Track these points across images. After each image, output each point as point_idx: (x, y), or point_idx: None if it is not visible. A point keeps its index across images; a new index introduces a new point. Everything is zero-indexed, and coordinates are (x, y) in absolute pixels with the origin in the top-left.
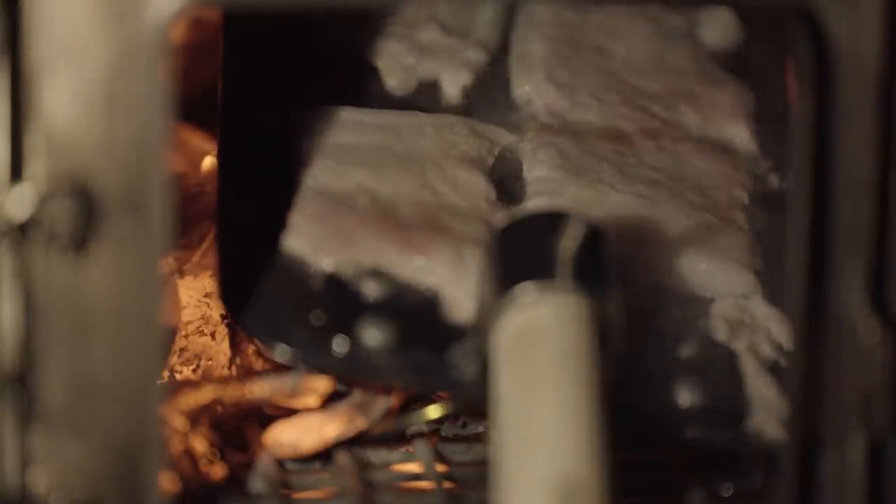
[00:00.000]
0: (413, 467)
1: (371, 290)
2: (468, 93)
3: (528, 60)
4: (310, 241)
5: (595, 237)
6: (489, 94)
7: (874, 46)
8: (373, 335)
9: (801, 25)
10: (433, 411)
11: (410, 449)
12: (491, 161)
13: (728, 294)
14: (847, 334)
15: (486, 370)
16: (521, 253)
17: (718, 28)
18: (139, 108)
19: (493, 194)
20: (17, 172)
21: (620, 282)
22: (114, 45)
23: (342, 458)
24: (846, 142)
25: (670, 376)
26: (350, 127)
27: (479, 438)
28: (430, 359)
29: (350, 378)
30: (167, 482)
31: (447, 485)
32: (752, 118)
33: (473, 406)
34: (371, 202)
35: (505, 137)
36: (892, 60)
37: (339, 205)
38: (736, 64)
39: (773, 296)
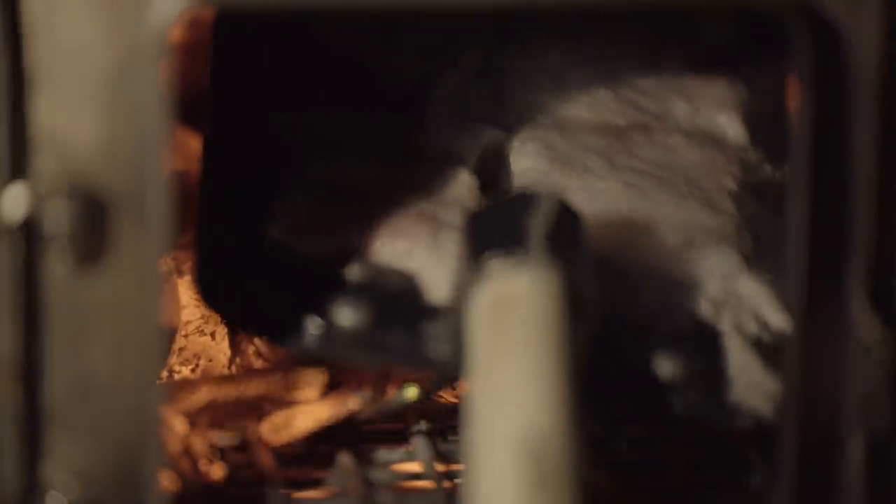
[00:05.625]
0: (413, 467)
1: (349, 273)
2: (460, 94)
3: (519, 62)
4: (289, 227)
5: (567, 214)
6: (481, 95)
7: (876, 44)
8: (348, 316)
9: (802, 23)
10: (411, 392)
11: (410, 448)
12: (476, 155)
13: (714, 274)
14: (847, 334)
15: (461, 347)
16: (493, 230)
17: (711, 27)
18: (139, 109)
19: (474, 184)
20: (16, 172)
21: (592, 258)
22: (114, 46)
23: (342, 457)
24: (847, 140)
25: (655, 351)
26: (333, 126)
27: None
28: (404, 338)
29: (325, 358)
30: (167, 482)
31: (447, 485)
32: (743, 110)
33: (448, 383)
34: (351, 190)
35: (492, 133)
36: (894, 59)
37: (319, 192)
38: (727, 61)
39: (761, 279)
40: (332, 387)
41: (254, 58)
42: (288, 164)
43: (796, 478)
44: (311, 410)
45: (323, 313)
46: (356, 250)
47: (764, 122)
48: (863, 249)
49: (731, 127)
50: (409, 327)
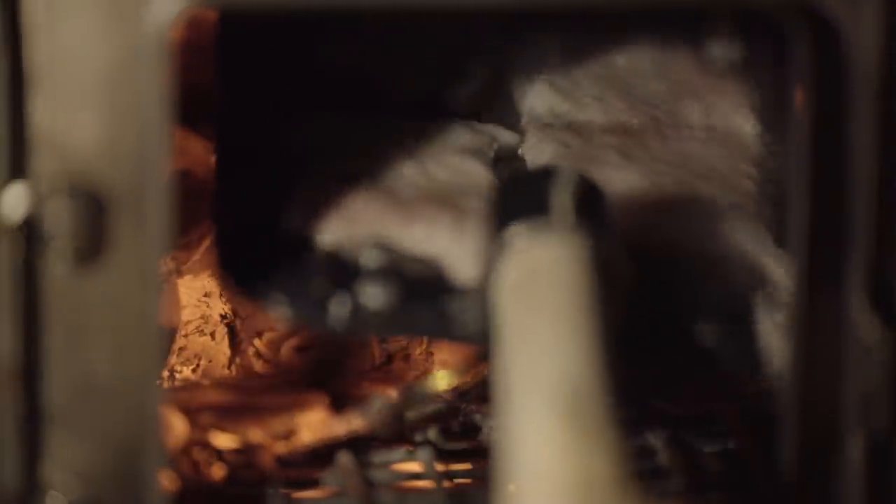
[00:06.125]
0: (413, 467)
1: (371, 259)
2: (472, 103)
3: (529, 73)
4: (310, 218)
5: (588, 185)
6: (492, 105)
7: (876, 44)
8: (373, 296)
9: (802, 23)
10: (440, 380)
11: (411, 448)
12: (491, 154)
13: (741, 248)
14: (847, 334)
15: (489, 321)
16: (518, 201)
17: (720, 40)
18: (139, 109)
19: (491, 178)
20: (16, 172)
21: (617, 230)
22: (114, 46)
23: (342, 457)
24: (847, 140)
25: (691, 320)
26: (350, 127)
27: (479, 438)
28: (430, 315)
29: (352, 334)
30: (167, 481)
31: (447, 485)
32: (755, 109)
33: (478, 364)
34: (371, 183)
35: (505, 136)
36: (894, 59)
37: (339, 185)
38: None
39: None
40: (337, 405)
41: (263, 61)
42: (302, 161)
43: (796, 477)
44: (314, 427)
45: (347, 297)
46: (376, 237)
47: (775, 120)
48: (863, 249)
49: (745, 125)
50: (434, 306)
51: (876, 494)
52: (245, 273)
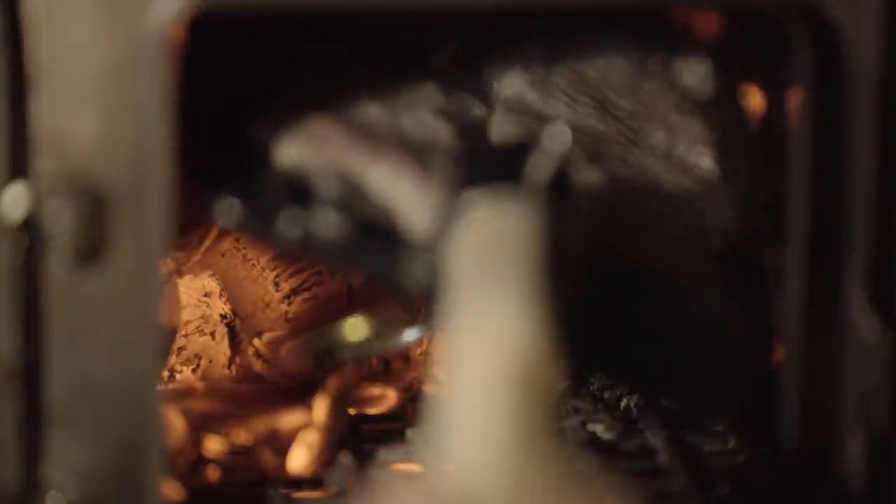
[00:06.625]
0: (413, 467)
1: (329, 188)
2: (448, 70)
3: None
4: (275, 135)
5: (565, 163)
6: (462, 84)
7: (876, 44)
8: (325, 224)
9: (802, 23)
10: (353, 329)
11: (410, 448)
12: (461, 121)
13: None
14: (847, 334)
15: (436, 279)
16: (483, 168)
17: (694, 76)
18: (139, 109)
19: (459, 136)
20: (16, 172)
21: (581, 208)
22: (114, 46)
23: (342, 457)
24: (846, 140)
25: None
26: (327, 65)
27: None
28: (379, 257)
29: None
30: (167, 482)
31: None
32: (715, 148)
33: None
34: (340, 116)
35: (477, 107)
36: (894, 59)
37: (308, 110)
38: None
39: None
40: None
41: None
42: (276, 79)
43: (796, 477)
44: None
45: (299, 218)
46: (337, 167)
47: (732, 161)
48: (863, 249)
49: (704, 161)
50: (384, 250)
51: (876, 494)
52: (206, 177)
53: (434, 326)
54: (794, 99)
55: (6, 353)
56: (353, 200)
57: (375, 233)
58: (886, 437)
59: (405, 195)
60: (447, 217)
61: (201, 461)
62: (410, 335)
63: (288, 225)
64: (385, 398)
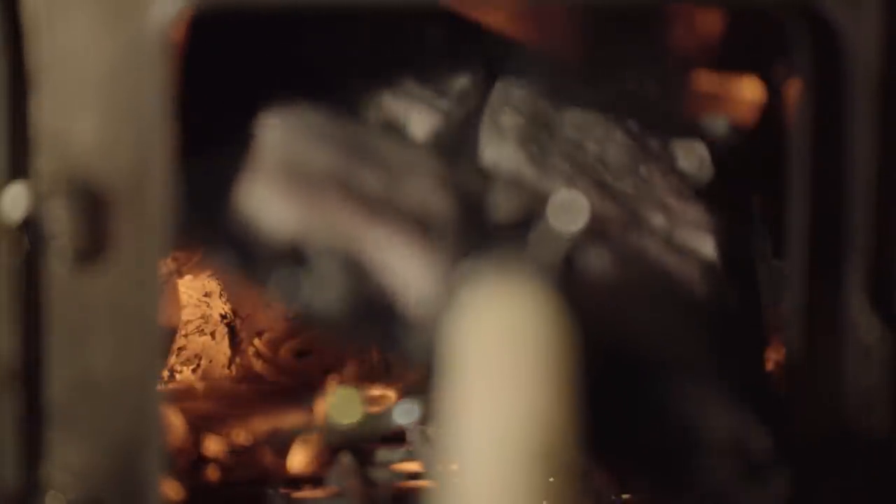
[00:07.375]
0: (413, 467)
1: (327, 261)
2: (438, 146)
3: (498, 128)
4: (269, 198)
5: (563, 238)
6: (459, 152)
7: (876, 44)
8: (321, 298)
9: (802, 23)
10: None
11: (410, 448)
12: (459, 190)
13: None
14: (847, 334)
15: (436, 352)
16: (486, 245)
17: (692, 160)
18: (139, 108)
19: (459, 212)
20: (16, 172)
21: (584, 288)
22: (114, 46)
23: (342, 457)
24: (846, 140)
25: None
26: (322, 128)
27: None
28: (376, 331)
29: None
30: (167, 482)
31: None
32: (717, 236)
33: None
34: (339, 185)
35: (476, 182)
36: (894, 59)
37: (302, 176)
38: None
39: None
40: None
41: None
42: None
43: (797, 476)
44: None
45: (294, 279)
46: (333, 232)
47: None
48: (863, 249)
49: (705, 247)
50: (383, 322)
51: (876, 494)
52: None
53: (430, 403)
54: (794, 99)
55: (6, 353)
56: (351, 271)
57: (374, 305)
58: (886, 438)
59: (401, 262)
60: (449, 292)
61: (201, 461)
62: (404, 413)
63: (284, 290)
64: (385, 398)
